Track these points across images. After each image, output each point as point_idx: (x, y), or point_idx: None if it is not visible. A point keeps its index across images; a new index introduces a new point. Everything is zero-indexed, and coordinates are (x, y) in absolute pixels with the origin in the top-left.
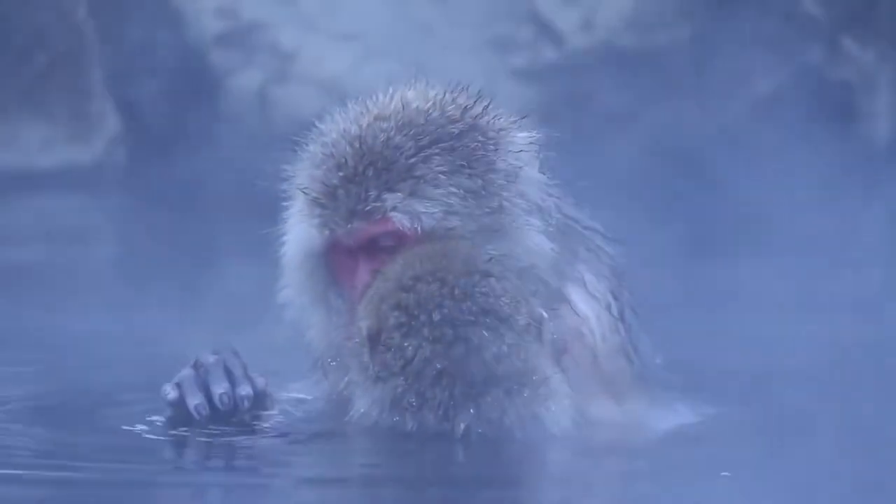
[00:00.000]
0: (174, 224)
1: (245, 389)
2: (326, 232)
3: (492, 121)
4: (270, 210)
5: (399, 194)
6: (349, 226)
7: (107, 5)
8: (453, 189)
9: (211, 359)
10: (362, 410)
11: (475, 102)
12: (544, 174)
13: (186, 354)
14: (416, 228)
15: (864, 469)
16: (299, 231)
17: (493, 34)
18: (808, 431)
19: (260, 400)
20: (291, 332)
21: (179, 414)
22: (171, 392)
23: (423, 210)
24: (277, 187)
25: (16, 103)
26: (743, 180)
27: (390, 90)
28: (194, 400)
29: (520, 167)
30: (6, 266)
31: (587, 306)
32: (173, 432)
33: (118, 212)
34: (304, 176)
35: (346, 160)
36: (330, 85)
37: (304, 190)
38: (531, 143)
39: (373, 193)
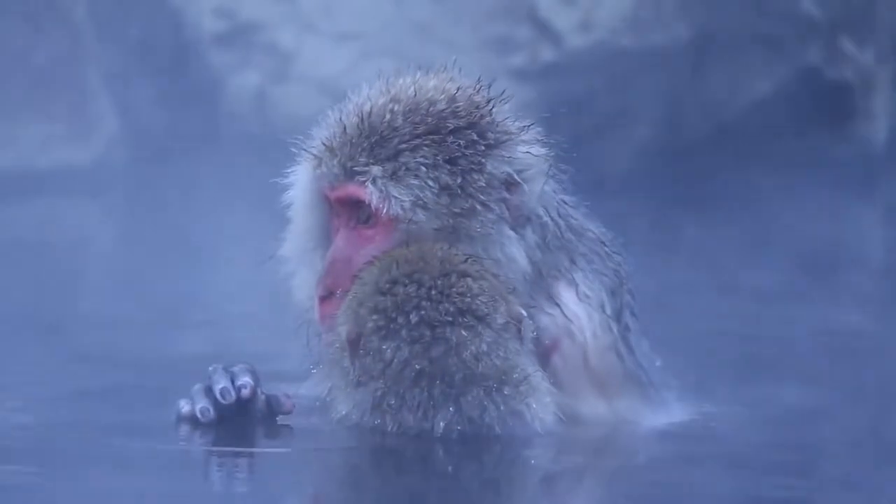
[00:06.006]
0: (172, 224)
1: (243, 380)
2: (317, 183)
3: (499, 123)
4: (270, 210)
5: (381, 169)
6: (337, 179)
7: (105, 5)
8: (430, 183)
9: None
10: (343, 413)
11: (489, 102)
12: (553, 187)
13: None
14: (383, 209)
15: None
16: (297, 180)
17: (491, 34)
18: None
19: (272, 405)
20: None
21: (194, 426)
22: (184, 406)
23: (396, 195)
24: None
25: (15, 103)
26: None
27: (418, 74)
28: (199, 404)
29: (513, 175)
30: (6, 266)
31: (578, 306)
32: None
33: (116, 212)
34: (314, 137)
35: (347, 128)
36: (328, 85)
37: (306, 147)
38: (537, 154)
39: (362, 159)
